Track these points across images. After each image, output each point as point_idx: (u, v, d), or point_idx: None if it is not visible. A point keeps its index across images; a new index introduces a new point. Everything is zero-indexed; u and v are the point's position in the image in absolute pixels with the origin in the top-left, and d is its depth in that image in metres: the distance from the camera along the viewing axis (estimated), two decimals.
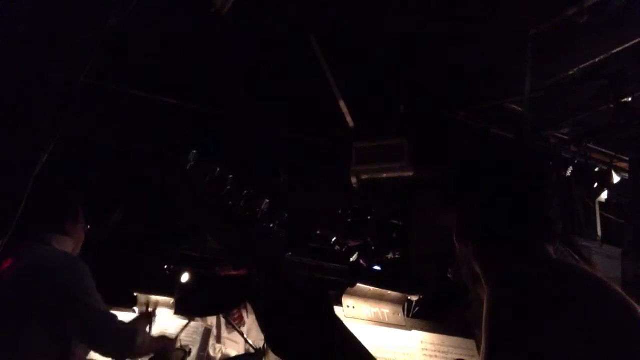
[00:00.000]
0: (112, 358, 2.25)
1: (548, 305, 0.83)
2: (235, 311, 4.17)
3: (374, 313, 2.47)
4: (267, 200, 0.93)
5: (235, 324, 3.70)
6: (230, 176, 0.93)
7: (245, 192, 0.93)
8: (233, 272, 4.31)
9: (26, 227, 2.28)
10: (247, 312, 4.28)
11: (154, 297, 3.44)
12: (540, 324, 0.80)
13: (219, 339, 3.76)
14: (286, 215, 0.93)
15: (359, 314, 2.23)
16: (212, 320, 3.57)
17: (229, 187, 0.92)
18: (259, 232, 0.91)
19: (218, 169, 0.94)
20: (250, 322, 3.84)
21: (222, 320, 4.02)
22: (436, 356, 2.13)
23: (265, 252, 0.88)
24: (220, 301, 4.09)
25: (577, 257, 1.17)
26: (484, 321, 0.86)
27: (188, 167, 0.94)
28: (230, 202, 0.92)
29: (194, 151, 0.95)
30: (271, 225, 0.92)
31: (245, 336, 3.49)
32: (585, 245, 3.90)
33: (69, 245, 2.18)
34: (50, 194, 2.39)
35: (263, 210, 0.93)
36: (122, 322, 2.15)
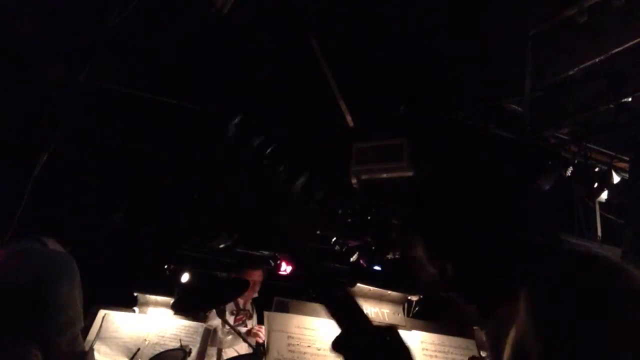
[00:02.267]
0: None
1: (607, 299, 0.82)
2: (241, 315, 4.18)
3: (374, 313, 2.48)
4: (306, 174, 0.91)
5: (234, 325, 3.70)
6: (270, 148, 0.91)
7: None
8: (255, 277, 4.29)
9: (27, 227, 2.23)
10: (253, 313, 4.29)
11: (153, 297, 3.44)
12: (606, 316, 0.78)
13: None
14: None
15: None
16: (217, 322, 3.57)
17: (267, 160, 0.90)
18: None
19: (258, 141, 0.91)
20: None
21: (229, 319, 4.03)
22: (436, 356, 2.13)
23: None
24: (219, 300, 4.09)
25: None
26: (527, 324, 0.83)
27: (227, 139, 0.91)
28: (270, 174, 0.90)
29: (236, 120, 0.92)
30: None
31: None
32: (585, 245, 3.90)
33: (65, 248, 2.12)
34: (62, 202, 2.36)
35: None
36: (77, 345, 1.96)
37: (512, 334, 0.88)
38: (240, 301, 4.25)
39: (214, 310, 3.35)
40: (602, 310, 0.79)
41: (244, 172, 0.91)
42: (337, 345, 0.86)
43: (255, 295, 4.39)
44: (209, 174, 0.93)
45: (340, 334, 0.87)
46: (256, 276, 4.33)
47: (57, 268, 1.96)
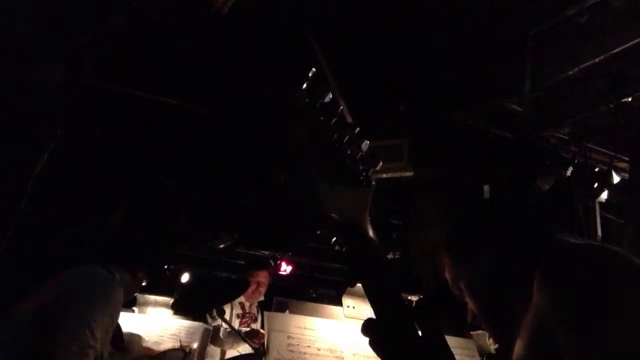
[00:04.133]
0: None
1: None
2: (246, 318, 4.16)
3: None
4: (367, 142, 0.89)
5: (232, 325, 3.69)
6: (340, 109, 0.87)
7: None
8: (260, 278, 4.26)
9: (95, 253, 2.12)
10: (258, 315, 4.27)
11: (153, 297, 3.44)
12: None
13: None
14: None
15: (359, 314, 2.23)
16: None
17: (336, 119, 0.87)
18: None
19: (330, 96, 0.88)
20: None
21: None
22: None
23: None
24: (219, 300, 4.08)
25: None
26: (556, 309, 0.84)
27: (304, 87, 0.87)
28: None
29: (314, 69, 0.88)
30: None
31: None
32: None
33: (129, 285, 2.02)
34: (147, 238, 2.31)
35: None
36: None
37: (529, 318, 0.89)
38: (246, 304, 4.22)
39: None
40: (617, 287, 0.81)
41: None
42: (367, 328, 0.85)
43: (262, 298, 4.31)
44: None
45: (371, 318, 0.86)
46: (262, 277, 4.27)
47: (104, 297, 1.81)
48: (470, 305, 1.11)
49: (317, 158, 0.88)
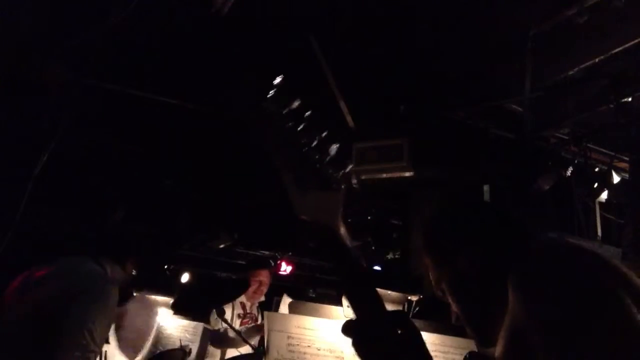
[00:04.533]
0: None
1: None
2: (247, 319, 4.16)
3: None
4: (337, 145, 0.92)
5: (233, 325, 3.69)
6: (309, 112, 0.91)
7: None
8: (262, 278, 4.25)
9: (86, 246, 2.10)
10: (258, 316, 4.26)
11: (153, 297, 3.44)
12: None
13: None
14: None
15: None
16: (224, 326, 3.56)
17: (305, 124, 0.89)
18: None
19: (299, 102, 0.91)
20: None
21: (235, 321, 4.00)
22: (436, 356, 2.13)
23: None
24: (219, 300, 4.08)
25: None
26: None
27: (270, 94, 0.91)
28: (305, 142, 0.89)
29: (281, 77, 0.92)
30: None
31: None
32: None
33: (118, 276, 2.03)
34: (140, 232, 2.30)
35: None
36: None
37: (507, 320, 0.90)
38: (247, 304, 4.21)
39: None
40: (587, 290, 0.82)
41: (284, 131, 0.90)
42: (347, 329, 0.86)
43: (262, 299, 4.30)
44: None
45: (351, 319, 0.87)
46: (263, 277, 4.26)
47: (102, 296, 1.81)
48: (453, 306, 1.12)
49: (288, 162, 0.90)
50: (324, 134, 0.92)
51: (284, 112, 0.90)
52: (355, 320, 0.86)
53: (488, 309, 0.98)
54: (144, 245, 2.25)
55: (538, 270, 0.88)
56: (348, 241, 0.90)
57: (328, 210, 0.90)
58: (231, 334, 3.58)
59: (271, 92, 0.91)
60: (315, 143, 0.90)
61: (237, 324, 3.98)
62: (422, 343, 0.84)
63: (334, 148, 0.92)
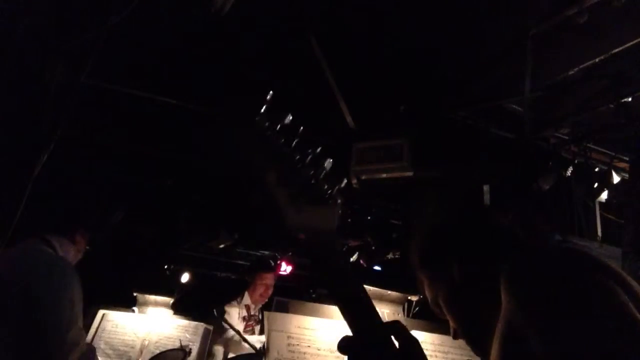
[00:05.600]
0: None
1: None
2: (251, 321, 4.15)
3: None
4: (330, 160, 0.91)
5: (231, 324, 3.68)
6: (301, 129, 0.90)
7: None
8: (268, 281, 4.24)
9: (35, 224, 2.12)
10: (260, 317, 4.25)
11: (153, 297, 3.44)
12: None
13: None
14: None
15: None
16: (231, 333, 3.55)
17: (298, 140, 0.89)
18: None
19: (291, 118, 0.90)
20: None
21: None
22: (436, 356, 2.13)
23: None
24: (219, 300, 4.08)
25: None
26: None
27: (262, 110, 0.89)
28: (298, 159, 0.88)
29: (271, 92, 0.90)
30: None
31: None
32: (585, 246, 3.90)
33: (71, 254, 2.06)
34: (77, 196, 2.30)
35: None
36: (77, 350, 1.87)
37: (500, 325, 0.90)
38: (252, 307, 4.20)
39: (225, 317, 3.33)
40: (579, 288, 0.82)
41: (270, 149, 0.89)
42: (343, 346, 0.86)
43: (266, 300, 4.24)
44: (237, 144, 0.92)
45: (347, 335, 0.87)
46: (269, 279, 4.22)
47: (65, 281, 1.85)
48: (450, 321, 1.11)
49: (282, 179, 0.89)
50: (318, 149, 0.90)
51: (277, 128, 0.89)
52: (352, 336, 0.85)
53: (487, 320, 0.98)
54: (82, 212, 2.22)
55: (530, 267, 0.89)
56: (343, 257, 0.89)
57: (325, 227, 0.89)
58: (229, 335, 3.58)
59: (262, 108, 0.90)
60: (309, 158, 0.89)
61: (241, 327, 3.95)
62: (422, 354, 0.84)
63: (328, 163, 0.91)
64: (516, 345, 0.84)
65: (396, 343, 0.84)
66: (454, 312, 1.10)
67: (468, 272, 1.06)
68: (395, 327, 0.85)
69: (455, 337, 1.14)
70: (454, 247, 1.10)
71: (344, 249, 5.24)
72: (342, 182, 0.92)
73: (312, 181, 0.89)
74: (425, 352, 0.99)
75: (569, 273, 0.85)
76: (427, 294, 1.17)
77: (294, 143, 0.89)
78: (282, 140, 0.89)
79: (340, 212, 0.91)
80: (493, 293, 0.93)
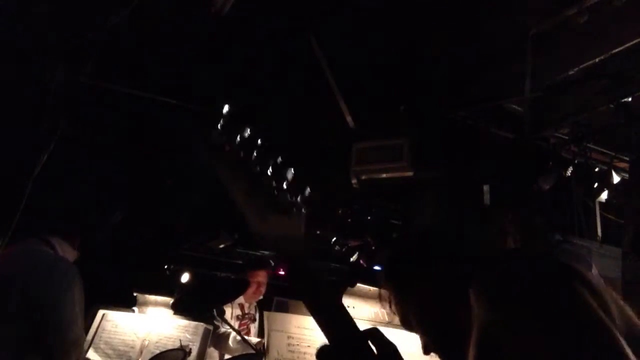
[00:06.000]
0: None
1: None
2: (246, 319, 4.16)
3: (374, 313, 2.48)
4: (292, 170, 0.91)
5: (231, 324, 3.69)
6: (260, 141, 0.90)
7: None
8: (260, 278, 4.26)
9: (35, 224, 2.15)
10: (256, 315, 4.26)
11: (153, 297, 3.44)
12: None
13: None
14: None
15: (359, 314, 2.23)
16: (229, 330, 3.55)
17: (257, 153, 0.89)
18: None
19: (249, 130, 0.90)
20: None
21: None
22: (435, 355, 2.13)
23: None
24: (219, 300, 4.08)
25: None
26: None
27: (220, 123, 0.89)
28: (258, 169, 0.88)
29: (227, 105, 0.91)
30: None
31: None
32: (585, 246, 3.90)
33: (70, 254, 2.07)
34: (77, 197, 2.31)
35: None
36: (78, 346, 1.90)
37: (474, 335, 0.89)
38: (245, 305, 4.21)
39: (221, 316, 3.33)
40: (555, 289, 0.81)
41: (231, 162, 0.89)
42: (321, 355, 0.85)
43: (260, 297, 4.31)
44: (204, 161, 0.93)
45: (325, 344, 0.86)
46: (261, 277, 4.26)
47: (66, 281, 1.87)
48: (421, 338, 1.09)
49: (244, 192, 0.89)
50: (278, 160, 0.91)
51: (236, 141, 0.89)
52: (329, 345, 0.85)
53: (460, 330, 0.98)
54: (82, 217, 2.23)
55: (500, 272, 0.88)
56: (313, 265, 0.89)
57: (291, 237, 0.89)
58: (230, 335, 3.58)
59: (220, 122, 0.90)
60: (270, 170, 0.90)
61: (235, 325, 3.98)
62: (400, 358, 0.84)
63: (290, 173, 0.91)
64: (493, 353, 0.83)
65: (374, 349, 0.84)
66: (425, 325, 1.07)
67: (437, 289, 1.04)
68: (372, 333, 0.85)
69: (426, 352, 1.11)
70: (422, 265, 1.08)
71: (344, 249, 5.24)
72: (305, 191, 0.92)
73: (275, 192, 0.89)
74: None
75: (544, 281, 0.84)
76: (397, 310, 1.14)
77: (254, 156, 0.89)
78: (242, 153, 0.89)
79: (305, 220, 0.90)
80: (466, 307, 0.91)
